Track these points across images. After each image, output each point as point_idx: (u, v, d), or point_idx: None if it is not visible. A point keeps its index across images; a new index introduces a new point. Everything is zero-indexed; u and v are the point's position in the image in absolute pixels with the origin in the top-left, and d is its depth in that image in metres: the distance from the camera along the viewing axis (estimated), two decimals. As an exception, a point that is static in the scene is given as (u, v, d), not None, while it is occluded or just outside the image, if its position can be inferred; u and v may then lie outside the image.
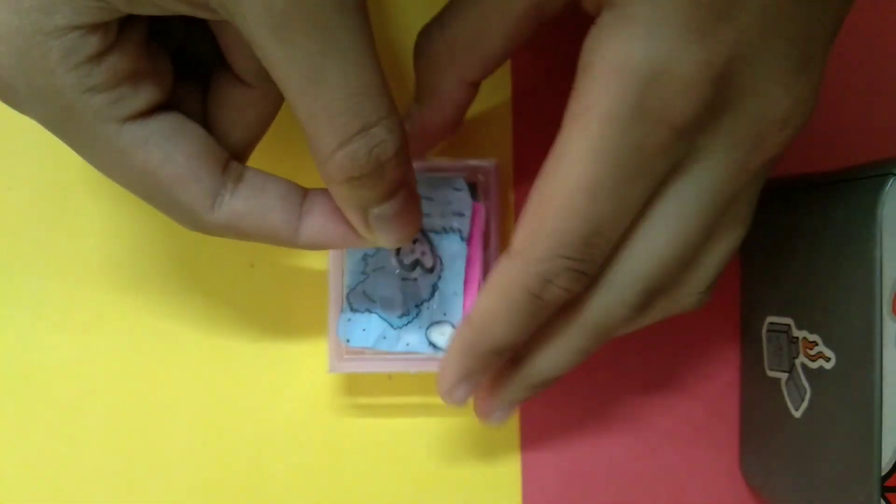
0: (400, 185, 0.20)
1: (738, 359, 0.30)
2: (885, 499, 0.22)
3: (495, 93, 0.29)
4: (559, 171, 0.19)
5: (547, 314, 0.21)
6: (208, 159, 0.20)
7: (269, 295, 0.29)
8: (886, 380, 0.21)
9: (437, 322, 0.26)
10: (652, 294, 0.21)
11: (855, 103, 0.29)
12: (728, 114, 0.19)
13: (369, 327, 0.26)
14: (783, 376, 0.27)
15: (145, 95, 0.19)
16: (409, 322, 0.26)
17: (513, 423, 0.30)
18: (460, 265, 0.26)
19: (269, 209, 0.21)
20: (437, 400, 0.30)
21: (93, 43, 0.18)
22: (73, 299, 0.29)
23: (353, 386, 0.30)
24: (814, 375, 0.25)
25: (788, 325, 0.27)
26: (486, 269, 0.27)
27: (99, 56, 0.18)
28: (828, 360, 0.24)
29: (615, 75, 0.18)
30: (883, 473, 0.22)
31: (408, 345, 0.26)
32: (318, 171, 0.19)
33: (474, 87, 0.23)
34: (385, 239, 0.21)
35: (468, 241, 0.26)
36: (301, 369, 0.30)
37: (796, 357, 0.26)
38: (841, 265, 0.23)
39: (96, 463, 0.29)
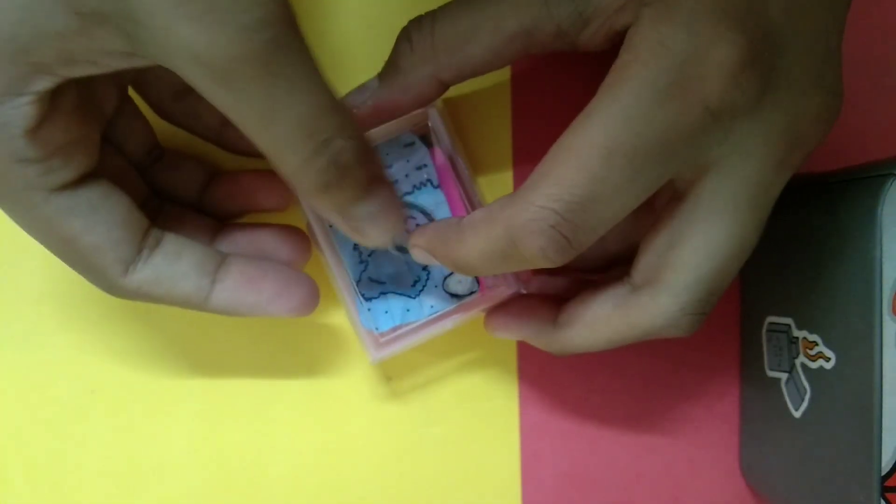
0: (369, 182, 0.20)
1: (738, 359, 0.30)
2: (885, 499, 0.22)
3: (495, 91, 0.29)
4: (581, 125, 0.19)
5: (517, 269, 0.21)
6: (127, 229, 0.21)
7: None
8: (886, 380, 0.21)
9: (449, 273, 0.27)
10: (712, 298, 0.21)
11: (856, 103, 0.29)
12: (765, 106, 0.19)
13: (390, 307, 0.26)
14: (783, 376, 0.27)
15: (75, 166, 0.19)
16: (423, 287, 0.27)
17: (513, 423, 0.30)
18: (445, 210, 0.27)
19: (180, 277, 0.22)
20: (437, 400, 0.30)
21: (28, 115, 0.18)
22: (72, 299, 0.29)
23: (352, 386, 0.30)
24: (814, 375, 0.25)
25: (788, 325, 0.27)
26: (469, 199, 0.27)
27: (34, 128, 0.18)
28: (828, 360, 0.24)
29: (656, 51, 0.18)
30: (883, 473, 0.22)
31: (432, 307, 0.27)
32: (294, 191, 0.20)
33: (444, 86, 0.23)
34: (372, 237, 0.21)
35: (441, 185, 0.27)
36: (302, 368, 0.30)
37: (796, 357, 0.26)
38: (841, 265, 0.23)
39: (96, 463, 0.29)
